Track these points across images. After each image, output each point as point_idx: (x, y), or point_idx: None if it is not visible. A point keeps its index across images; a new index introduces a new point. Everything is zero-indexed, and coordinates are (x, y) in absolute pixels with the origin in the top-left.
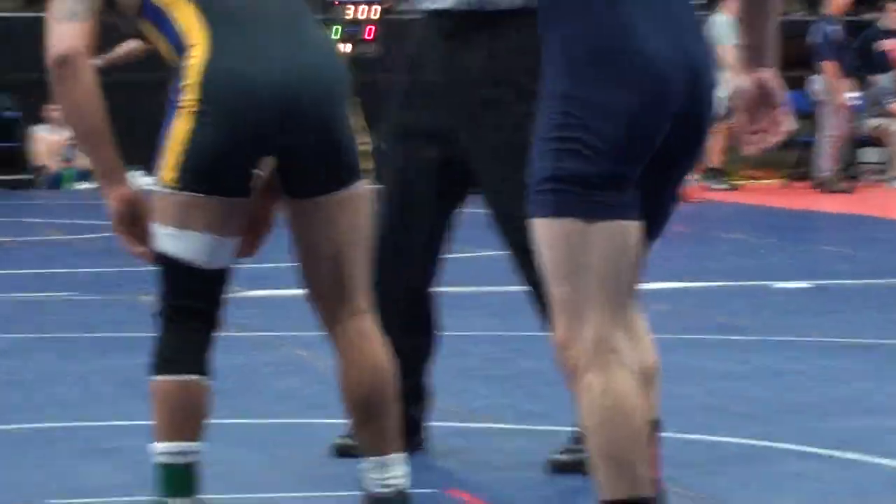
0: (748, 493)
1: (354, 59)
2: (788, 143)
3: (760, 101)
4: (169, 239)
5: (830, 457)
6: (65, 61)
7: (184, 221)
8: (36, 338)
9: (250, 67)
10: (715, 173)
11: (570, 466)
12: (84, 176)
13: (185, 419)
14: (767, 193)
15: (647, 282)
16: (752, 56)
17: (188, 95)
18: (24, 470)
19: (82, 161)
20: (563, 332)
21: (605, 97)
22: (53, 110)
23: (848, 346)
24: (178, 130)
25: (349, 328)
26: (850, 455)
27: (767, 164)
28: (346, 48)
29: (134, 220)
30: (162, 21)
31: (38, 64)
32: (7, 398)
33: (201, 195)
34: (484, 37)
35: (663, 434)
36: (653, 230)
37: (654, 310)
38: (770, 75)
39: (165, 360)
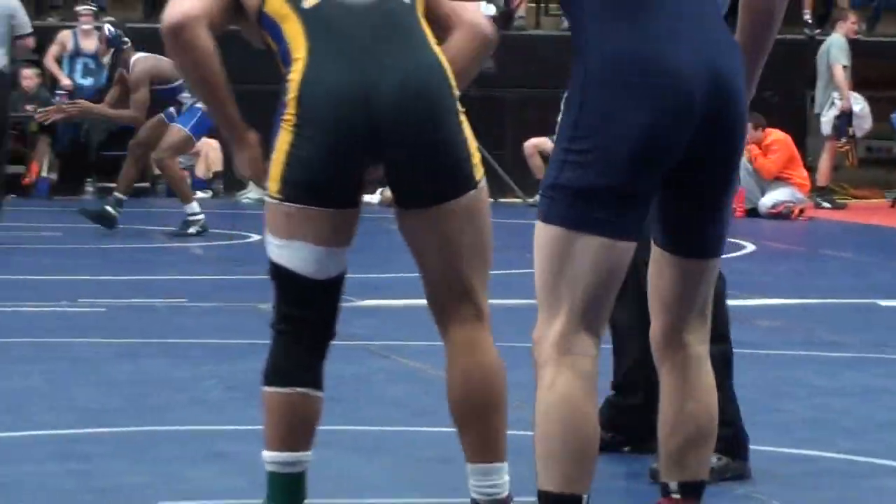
0: None
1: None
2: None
3: None
4: (278, 249)
5: None
6: (181, 28)
7: (290, 232)
8: (152, 343)
9: (347, 82)
10: (821, 192)
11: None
12: (200, 185)
13: (295, 430)
14: (873, 212)
15: (755, 298)
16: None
17: (289, 110)
18: (135, 473)
19: (199, 170)
20: (538, 328)
21: (619, 112)
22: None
23: None
24: (281, 143)
25: (459, 335)
26: None
27: (873, 183)
28: None
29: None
30: (275, 33)
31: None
32: (122, 401)
33: (305, 206)
34: None
35: (762, 448)
36: (705, 244)
37: (761, 326)
38: None
39: (277, 372)
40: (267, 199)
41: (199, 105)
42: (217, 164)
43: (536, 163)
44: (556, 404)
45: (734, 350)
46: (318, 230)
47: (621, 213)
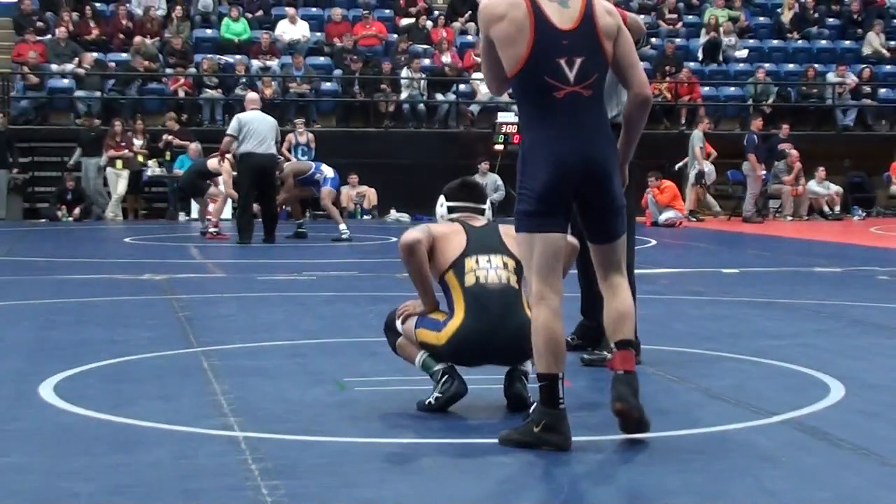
0: None
1: None
2: (731, 196)
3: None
4: None
5: None
6: (413, 247)
7: None
8: (342, 295)
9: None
10: (691, 213)
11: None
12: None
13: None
14: (718, 224)
15: (656, 268)
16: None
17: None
18: (330, 364)
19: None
20: (529, 288)
21: (537, 173)
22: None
23: None
24: None
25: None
26: None
27: (720, 206)
28: None
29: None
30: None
31: None
32: (324, 325)
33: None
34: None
35: (665, 348)
36: (607, 233)
37: (659, 283)
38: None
39: None
40: None
41: (328, 175)
42: (374, 199)
43: None
44: (539, 327)
45: (645, 296)
46: None
47: (555, 220)
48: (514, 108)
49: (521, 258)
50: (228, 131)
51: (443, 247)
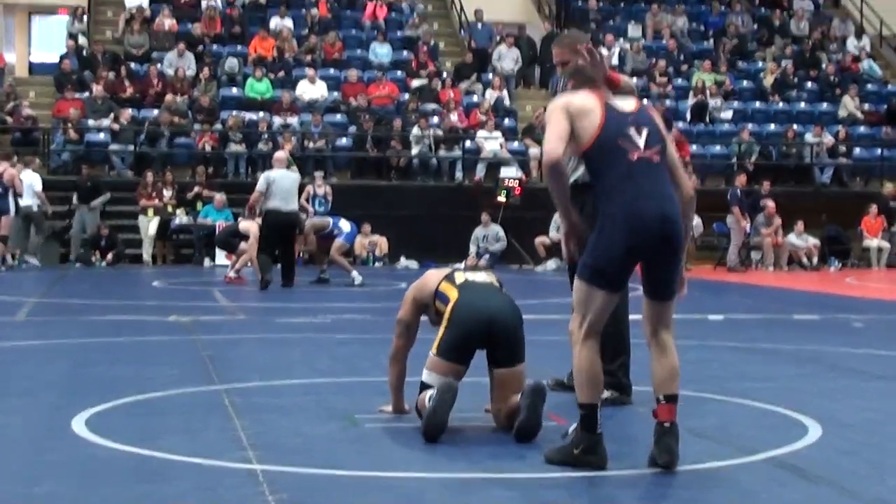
0: None
1: None
2: (717, 247)
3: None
4: None
5: None
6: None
7: None
8: (356, 338)
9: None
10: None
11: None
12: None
13: None
14: (705, 273)
15: None
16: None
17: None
18: (343, 397)
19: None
20: (572, 325)
21: (615, 235)
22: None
23: None
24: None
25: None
26: None
27: (704, 258)
28: None
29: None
30: None
31: None
32: (346, 366)
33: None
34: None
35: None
36: (667, 289)
37: None
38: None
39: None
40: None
41: (344, 230)
42: (385, 248)
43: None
44: (583, 364)
45: (635, 340)
46: None
47: (617, 281)
48: (515, 163)
49: (575, 300)
50: (258, 188)
51: (428, 282)
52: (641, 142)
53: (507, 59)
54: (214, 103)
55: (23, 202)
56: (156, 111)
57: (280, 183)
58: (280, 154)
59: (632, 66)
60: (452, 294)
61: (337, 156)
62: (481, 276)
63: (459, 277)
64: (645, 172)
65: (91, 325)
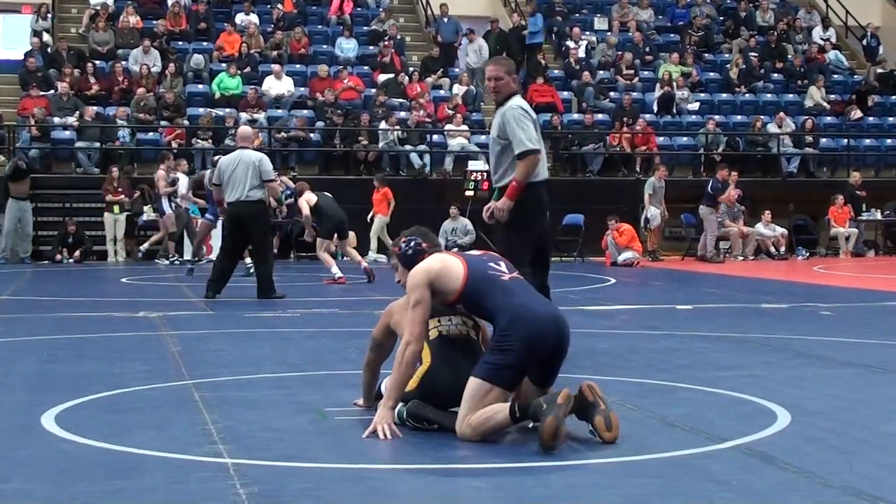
0: None
1: None
2: (685, 238)
3: None
4: None
5: None
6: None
7: None
8: (325, 331)
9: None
10: (649, 253)
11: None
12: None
13: None
14: (673, 263)
15: (614, 305)
16: None
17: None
18: (336, 395)
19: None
20: (460, 415)
21: (518, 334)
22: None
23: None
24: None
25: None
26: None
27: (673, 248)
28: None
29: None
30: None
31: None
32: (307, 358)
33: None
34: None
35: (627, 379)
36: (552, 378)
37: (618, 318)
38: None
39: None
40: None
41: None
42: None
43: None
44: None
45: (605, 330)
46: None
47: (517, 379)
48: (483, 156)
49: (467, 394)
50: (213, 181)
51: (402, 321)
52: (505, 269)
53: (472, 53)
54: (180, 100)
55: None
56: (121, 108)
57: (229, 172)
58: (245, 129)
59: (599, 58)
60: (425, 355)
61: (304, 150)
62: (454, 329)
63: (433, 329)
64: (522, 287)
65: (59, 321)
